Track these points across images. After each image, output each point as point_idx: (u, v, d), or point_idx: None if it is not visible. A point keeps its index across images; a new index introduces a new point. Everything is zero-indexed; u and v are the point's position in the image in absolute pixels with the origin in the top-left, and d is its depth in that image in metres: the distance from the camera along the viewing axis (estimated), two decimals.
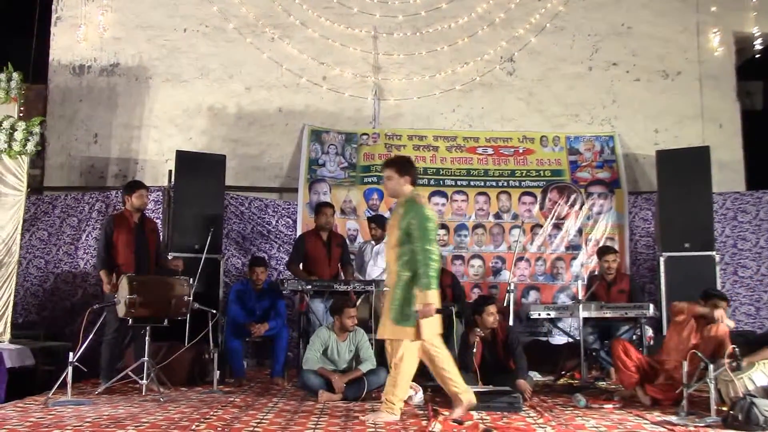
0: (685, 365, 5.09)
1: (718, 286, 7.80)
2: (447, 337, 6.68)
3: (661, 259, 7.97)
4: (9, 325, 7.08)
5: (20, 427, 4.31)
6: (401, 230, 4.82)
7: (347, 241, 8.03)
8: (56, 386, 5.46)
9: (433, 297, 4.71)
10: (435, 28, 9.60)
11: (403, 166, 5.06)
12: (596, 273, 7.81)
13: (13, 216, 7.32)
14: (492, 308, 6.02)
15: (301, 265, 7.40)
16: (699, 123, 9.42)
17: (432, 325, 4.83)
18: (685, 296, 7.56)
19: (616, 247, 8.35)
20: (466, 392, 4.88)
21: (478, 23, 9.61)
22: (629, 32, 9.65)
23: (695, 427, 4.55)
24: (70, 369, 5.43)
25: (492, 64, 9.63)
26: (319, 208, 7.58)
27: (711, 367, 4.93)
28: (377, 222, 7.83)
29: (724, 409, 4.89)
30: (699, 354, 5.17)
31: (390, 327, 4.84)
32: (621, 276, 7.47)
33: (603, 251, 7.54)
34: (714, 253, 7.89)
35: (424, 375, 6.73)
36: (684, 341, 5.66)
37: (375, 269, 7.68)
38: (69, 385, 5.45)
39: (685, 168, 8.07)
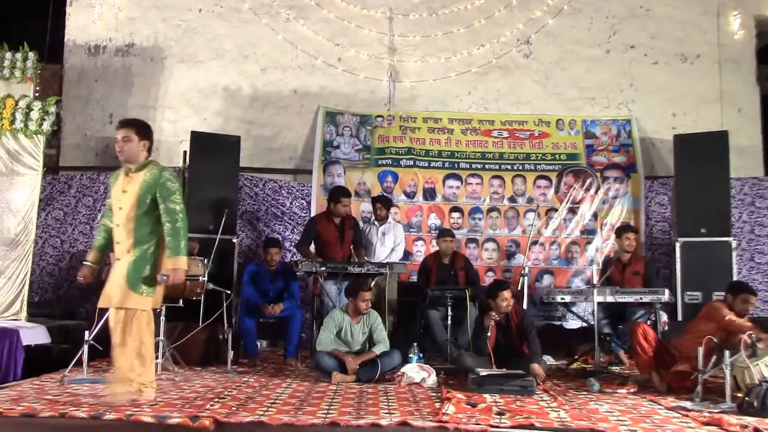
0: (701, 351, 5.07)
1: (735, 273, 7.77)
2: (461, 320, 6.72)
3: (677, 245, 7.90)
4: (25, 303, 7.15)
5: (37, 404, 4.36)
6: (141, 198, 4.51)
7: (360, 223, 8.01)
8: (72, 364, 5.51)
9: (185, 263, 4.51)
10: (451, 10, 9.52)
11: (144, 129, 4.70)
12: (611, 257, 7.76)
13: (29, 195, 7.36)
14: (506, 293, 6.00)
15: (312, 248, 7.41)
16: (717, 107, 9.31)
17: (160, 296, 4.67)
18: (700, 282, 7.61)
19: None
20: (150, 387, 4.53)
21: (495, 5, 9.51)
22: (648, 15, 9.53)
23: (710, 413, 4.52)
24: (85, 347, 5.49)
25: (508, 46, 9.54)
26: (338, 198, 7.40)
27: (727, 353, 4.90)
28: (383, 202, 7.84)
29: (740, 395, 4.87)
30: (714, 339, 5.14)
31: (129, 296, 4.43)
32: (636, 258, 7.43)
33: (623, 229, 7.52)
34: (731, 238, 7.81)
35: (437, 357, 6.79)
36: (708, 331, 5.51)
37: (383, 250, 7.70)
38: (85, 363, 5.52)
39: (702, 152, 7.98)
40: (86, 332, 5.55)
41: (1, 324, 6.60)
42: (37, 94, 7.63)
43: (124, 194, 4.56)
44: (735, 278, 7.63)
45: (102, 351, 6.03)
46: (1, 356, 6.04)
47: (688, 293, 7.69)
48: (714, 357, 5.10)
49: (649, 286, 7.06)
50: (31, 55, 7.64)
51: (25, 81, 7.60)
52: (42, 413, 4.10)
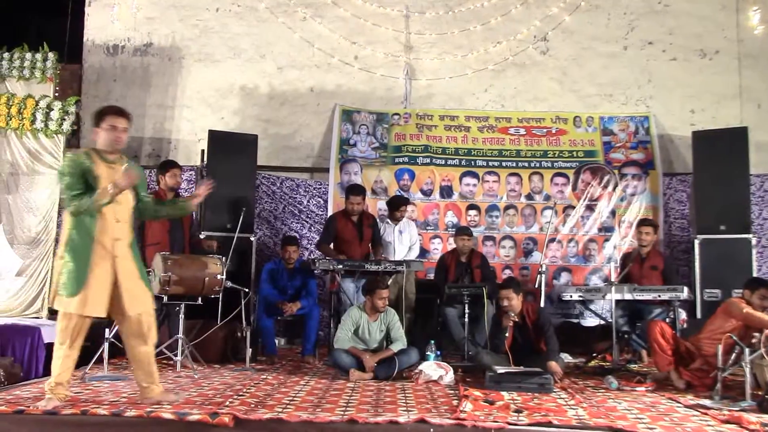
0: (720, 348, 5.04)
1: (754, 270, 7.71)
2: (478, 318, 6.72)
3: (696, 242, 7.86)
4: (46, 301, 7.23)
5: (59, 402, 4.40)
6: (137, 190, 4.45)
7: (378, 221, 8.02)
8: (93, 362, 5.56)
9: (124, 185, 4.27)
10: (467, 7, 9.50)
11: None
12: (630, 253, 7.73)
13: (50, 194, 7.45)
14: (503, 292, 6.00)
15: (331, 246, 7.43)
16: (737, 103, 9.23)
17: None
18: (719, 280, 7.55)
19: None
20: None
21: (511, 2, 9.48)
22: (666, 10, 9.45)
23: (729, 410, 4.49)
24: (106, 345, 5.54)
25: (525, 43, 9.51)
26: (347, 195, 7.50)
27: (747, 350, 4.87)
28: (406, 203, 7.85)
29: (760, 393, 4.84)
30: (734, 337, 5.10)
31: (149, 297, 4.47)
32: (655, 253, 7.39)
33: (640, 222, 7.56)
34: (750, 235, 7.76)
35: (455, 355, 6.80)
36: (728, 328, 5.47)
37: (402, 248, 7.70)
38: (105, 361, 5.56)
39: (721, 149, 7.93)
40: (106, 330, 5.60)
41: (22, 322, 6.69)
42: (56, 94, 7.73)
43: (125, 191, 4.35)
44: (755, 275, 7.58)
45: (122, 349, 6.09)
46: (24, 354, 6.12)
47: (707, 291, 7.64)
48: (733, 354, 5.07)
49: (667, 282, 7.01)
50: (50, 55, 7.74)
51: (45, 81, 7.71)
52: (64, 410, 4.14)
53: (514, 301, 6.00)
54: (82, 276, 4.20)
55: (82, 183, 4.23)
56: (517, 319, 5.99)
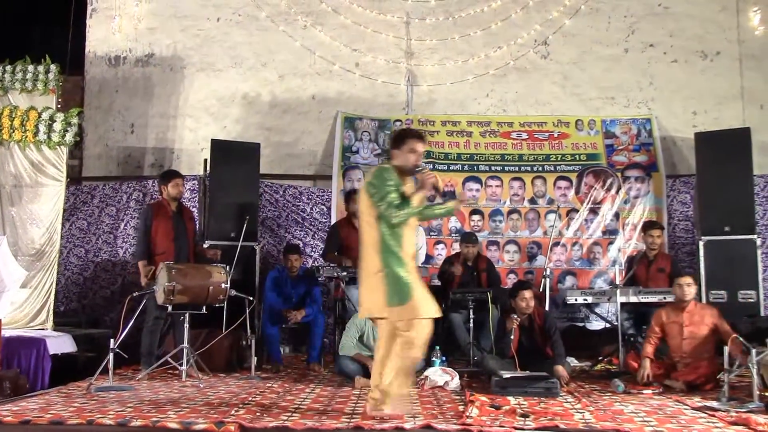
0: (726, 350, 5.03)
1: (759, 270, 7.67)
2: (483, 323, 6.70)
3: (701, 243, 7.82)
4: (51, 313, 7.25)
5: (64, 412, 4.41)
6: None
7: None
8: (98, 372, 5.57)
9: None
10: (468, 13, 9.50)
11: None
12: (635, 255, 7.70)
13: (53, 206, 7.47)
14: (527, 293, 5.99)
15: (336, 254, 7.43)
16: (739, 104, 9.21)
17: None
18: (725, 281, 7.54)
19: None
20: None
21: (512, 6, 9.49)
22: (666, 12, 9.44)
23: (737, 412, 4.48)
24: (111, 355, 5.54)
25: (526, 47, 9.51)
26: (347, 196, 7.62)
27: (753, 351, 4.86)
28: None
29: (767, 394, 4.82)
30: (741, 339, 5.10)
31: None
32: (663, 255, 7.36)
33: (648, 225, 7.51)
34: (755, 236, 7.72)
35: (460, 360, 6.78)
36: (690, 337, 5.76)
37: None
38: (110, 371, 5.56)
39: (724, 150, 7.90)
40: (111, 340, 5.61)
41: (28, 333, 6.70)
42: (59, 106, 7.74)
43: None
44: (761, 276, 7.58)
45: (127, 359, 6.11)
46: (29, 365, 6.11)
47: (713, 292, 7.60)
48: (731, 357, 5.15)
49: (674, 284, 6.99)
50: (53, 67, 7.76)
51: (47, 93, 7.72)
52: (70, 420, 4.15)
53: (532, 302, 6.03)
54: (409, 283, 4.28)
55: (399, 195, 4.35)
56: (519, 321, 5.98)
